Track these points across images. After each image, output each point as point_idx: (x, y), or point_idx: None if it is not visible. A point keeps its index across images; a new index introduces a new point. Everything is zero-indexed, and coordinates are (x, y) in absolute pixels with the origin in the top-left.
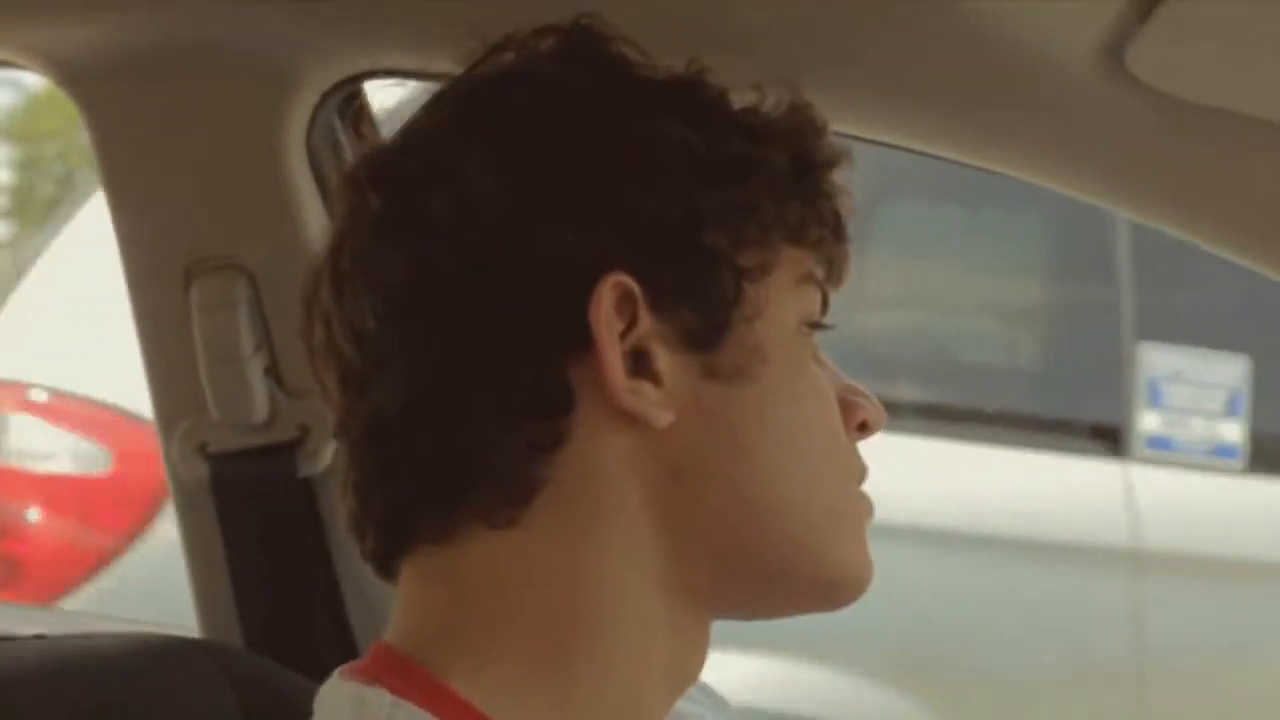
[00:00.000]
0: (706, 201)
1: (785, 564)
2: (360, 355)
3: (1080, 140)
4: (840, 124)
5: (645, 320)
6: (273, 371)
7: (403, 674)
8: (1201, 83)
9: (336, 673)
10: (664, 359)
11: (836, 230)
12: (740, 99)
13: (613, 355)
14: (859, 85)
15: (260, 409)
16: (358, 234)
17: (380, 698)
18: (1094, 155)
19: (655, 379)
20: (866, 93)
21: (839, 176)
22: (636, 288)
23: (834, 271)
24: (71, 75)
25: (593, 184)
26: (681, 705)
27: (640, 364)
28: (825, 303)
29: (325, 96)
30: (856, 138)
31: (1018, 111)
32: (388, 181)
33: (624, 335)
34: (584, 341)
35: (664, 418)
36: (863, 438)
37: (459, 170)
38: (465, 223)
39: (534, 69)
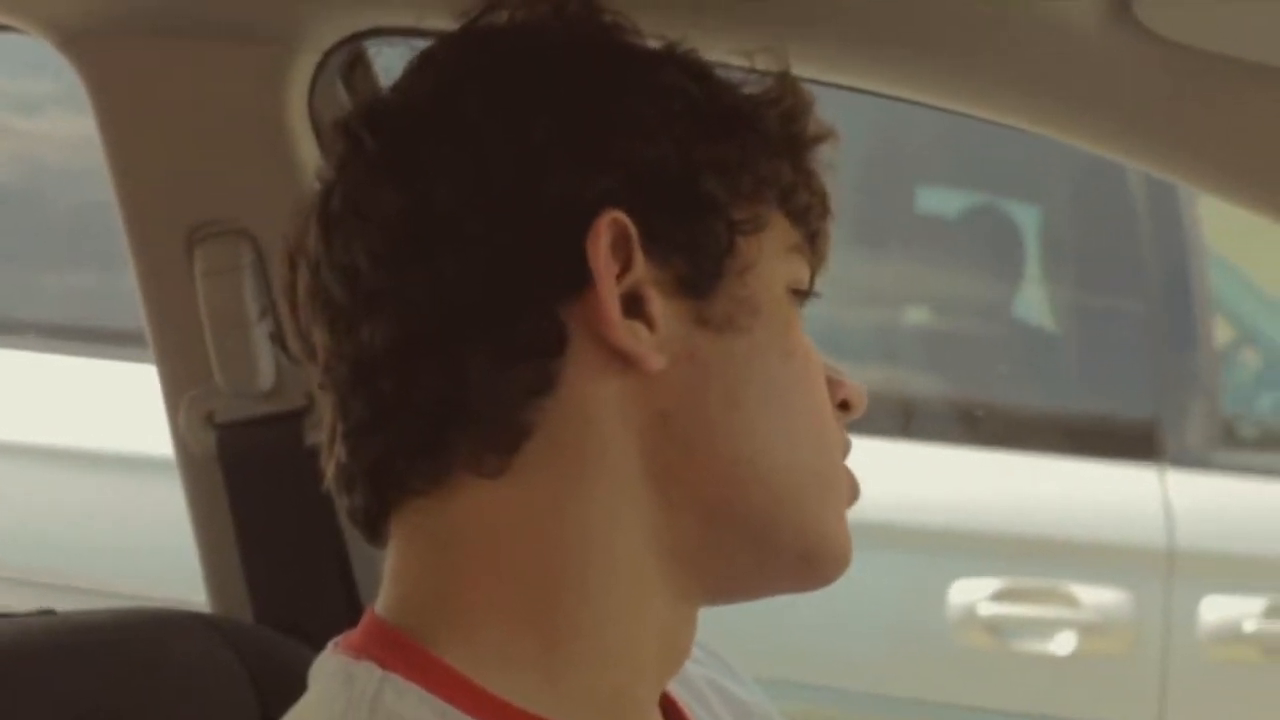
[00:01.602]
0: (704, 151)
1: (768, 524)
2: (350, 295)
3: (1088, 90)
4: (845, 77)
5: (640, 264)
6: (278, 338)
7: (391, 646)
8: (1210, 29)
9: (330, 645)
10: (657, 303)
11: (823, 202)
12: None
13: (609, 291)
14: (864, 37)
15: (266, 376)
16: (351, 177)
17: (369, 672)
18: (1102, 105)
19: (649, 323)
20: (872, 44)
21: (824, 153)
22: (633, 228)
23: (818, 247)
24: (71, 38)
25: (592, 129)
26: (690, 668)
27: (634, 308)
28: (812, 279)
29: (327, 56)
30: (863, 90)
31: (1025, 62)
32: (385, 125)
33: (619, 277)
34: (579, 283)
35: (656, 361)
36: (845, 418)
37: (460, 113)
38: (464, 163)
39: (532, 25)
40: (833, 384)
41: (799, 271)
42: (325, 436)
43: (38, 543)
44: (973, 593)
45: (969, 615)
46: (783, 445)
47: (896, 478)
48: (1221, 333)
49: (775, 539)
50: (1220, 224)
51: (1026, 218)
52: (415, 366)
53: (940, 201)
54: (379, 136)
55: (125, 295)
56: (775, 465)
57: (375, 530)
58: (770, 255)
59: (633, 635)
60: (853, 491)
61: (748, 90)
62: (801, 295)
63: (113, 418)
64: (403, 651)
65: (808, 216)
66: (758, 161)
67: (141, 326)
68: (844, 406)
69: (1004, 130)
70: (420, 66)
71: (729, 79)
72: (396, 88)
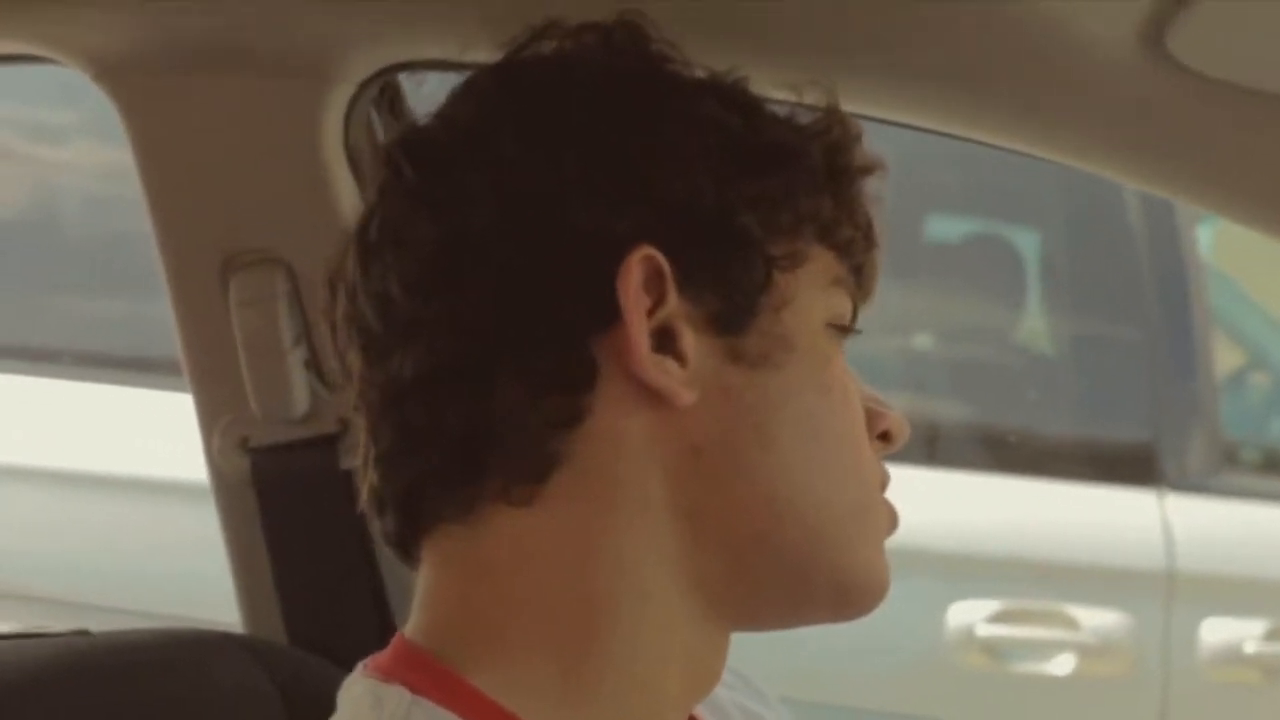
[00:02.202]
0: (741, 187)
1: (803, 560)
2: (384, 323)
3: (1120, 123)
4: (879, 110)
5: (673, 299)
6: (313, 364)
7: (421, 669)
8: (1242, 63)
9: (359, 666)
10: (689, 339)
11: (868, 235)
12: (776, 100)
13: (639, 327)
14: (898, 71)
15: (301, 402)
16: (389, 205)
17: (399, 696)
18: (1134, 138)
19: (680, 358)
20: (905, 78)
21: (871, 186)
22: (666, 264)
23: (863, 280)
24: (107, 70)
25: (628, 162)
26: (720, 693)
27: (665, 343)
28: (854, 312)
29: (362, 88)
30: (896, 123)
31: (1058, 95)
32: (423, 155)
33: (651, 313)
34: (610, 317)
35: (686, 396)
36: (885, 450)
37: (495, 145)
38: (499, 194)
39: (574, 55)
40: (873, 415)
41: (840, 306)
42: (360, 460)
43: (70, 566)
44: (971, 614)
45: (967, 636)
46: (818, 482)
47: (896, 501)
48: (1232, 357)
49: (810, 575)
50: (1232, 249)
51: (1026, 243)
52: (443, 396)
53: (944, 228)
54: (416, 165)
55: (153, 323)
56: (810, 502)
57: (408, 553)
58: (809, 290)
59: (661, 663)
60: (892, 522)
61: (794, 123)
62: (843, 330)
63: (139, 444)
64: (432, 675)
65: (851, 250)
66: (798, 197)
67: (170, 354)
68: (884, 438)
69: (1003, 156)
70: (461, 96)
71: (774, 112)
72: (438, 116)
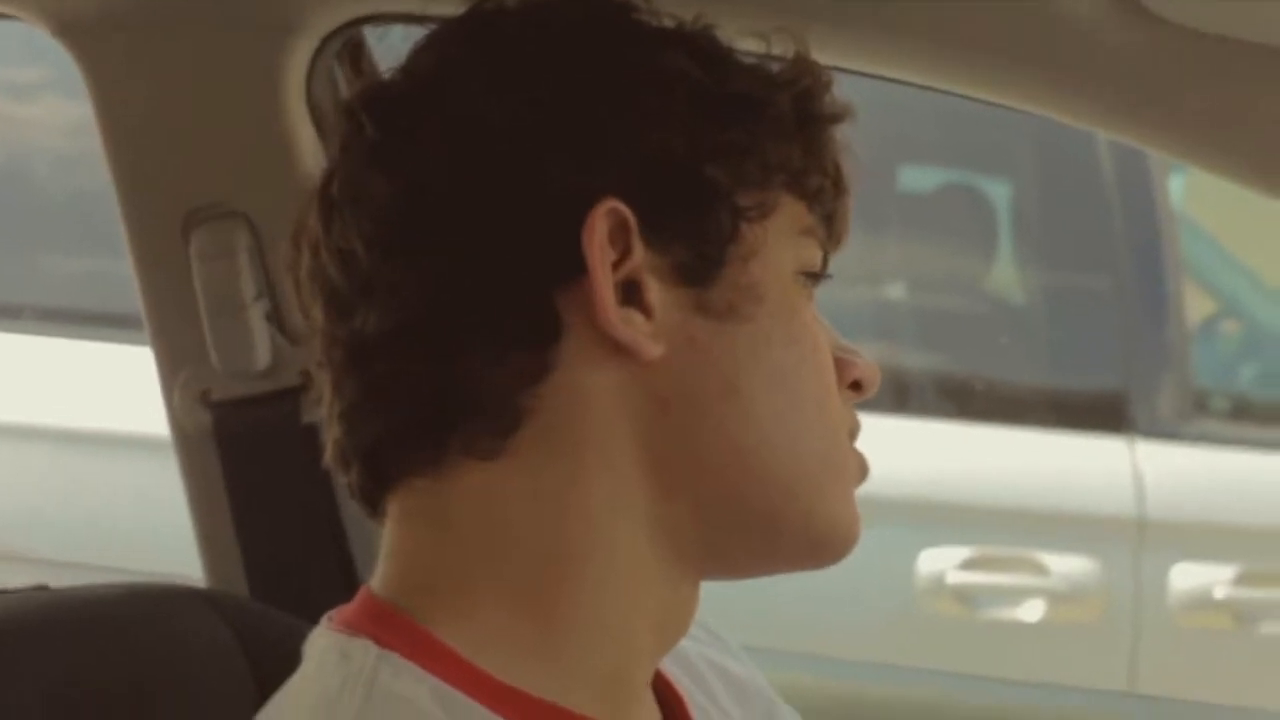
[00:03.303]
0: (707, 137)
1: (772, 512)
2: (346, 279)
3: (1094, 73)
4: (853, 62)
5: (638, 251)
6: (274, 318)
7: (387, 623)
8: (1214, 12)
9: (324, 619)
10: (655, 291)
11: (837, 182)
12: (745, 50)
13: (604, 281)
14: (874, 24)
15: (262, 356)
16: (351, 161)
17: (366, 649)
18: (1108, 88)
19: (646, 311)
20: (880, 31)
21: (841, 133)
22: (631, 217)
23: (833, 228)
24: (68, 26)
25: (591, 114)
26: (689, 647)
27: (631, 295)
28: (825, 261)
29: (325, 41)
30: (871, 75)
31: (1031, 46)
32: (384, 110)
33: (616, 265)
34: (575, 270)
35: (653, 349)
36: (856, 398)
37: (456, 97)
38: (459, 148)
39: (539, 7)
40: (844, 364)
41: (810, 255)
42: (324, 414)
43: (31, 522)
44: (942, 561)
45: (938, 584)
46: (785, 434)
47: (866, 448)
48: (1203, 305)
49: (779, 527)
50: (1204, 198)
51: (998, 194)
52: (407, 352)
53: (916, 179)
54: (377, 121)
55: (121, 280)
56: (778, 454)
57: (374, 506)
58: (778, 240)
59: (631, 614)
60: (861, 471)
61: (762, 72)
62: (814, 277)
63: (108, 399)
64: (399, 629)
65: (821, 198)
66: (765, 147)
67: (135, 309)
68: (855, 386)
69: (974, 106)
70: (424, 50)
71: (742, 61)
72: (400, 70)
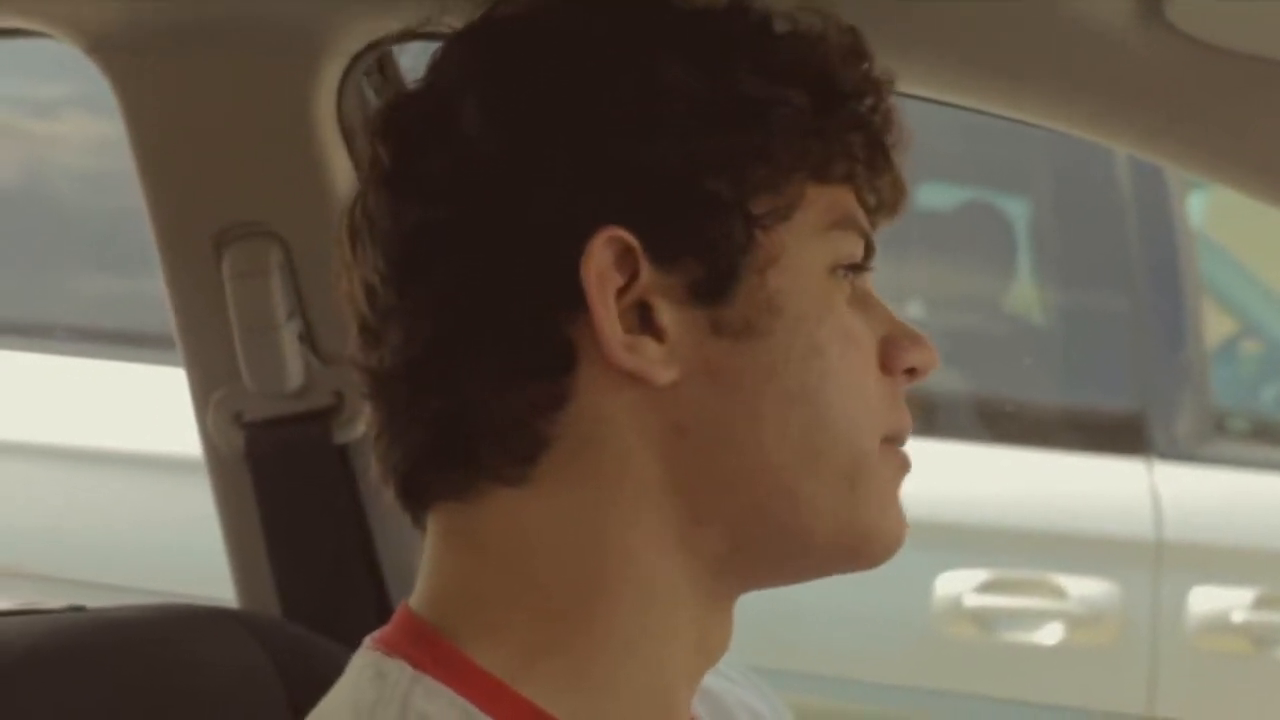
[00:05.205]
0: (708, 148)
1: (802, 528)
2: (370, 309)
3: (1119, 91)
4: None
5: (646, 273)
6: (307, 338)
7: (424, 644)
8: (1240, 30)
9: (366, 639)
10: (667, 313)
11: (871, 161)
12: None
13: (606, 313)
14: (895, 41)
15: (295, 376)
16: (369, 189)
17: (401, 671)
18: (1133, 105)
19: (659, 334)
20: (904, 48)
21: (876, 104)
22: (635, 241)
23: (881, 204)
24: (101, 45)
25: (587, 136)
26: (724, 688)
27: (644, 318)
28: (870, 246)
29: (355, 60)
30: (899, 94)
31: (1055, 63)
32: (394, 137)
33: (626, 290)
34: (583, 299)
35: (664, 375)
36: (911, 381)
37: (456, 125)
38: (461, 180)
39: (542, 12)
40: (895, 353)
41: (847, 246)
42: (371, 432)
43: (65, 543)
44: (959, 584)
45: (955, 606)
46: (809, 451)
47: None
48: (1224, 325)
49: (811, 542)
50: (1224, 218)
51: (1016, 211)
52: (423, 384)
53: (935, 196)
54: (388, 147)
55: (147, 299)
56: (800, 469)
57: (418, 522)
58: (802, 241)
59: (667, 640)
60: (903, 468)
61: (772, 68)
62: (855, 269)
63: (136, 419)
64: (434, 650)
65: (854, 179)
66: (776, 148)
67: (164, 329)
68: (911, 373)
69: (993, 124)
70: (431, 69)
71: (758, 48)
72: (411, 92)
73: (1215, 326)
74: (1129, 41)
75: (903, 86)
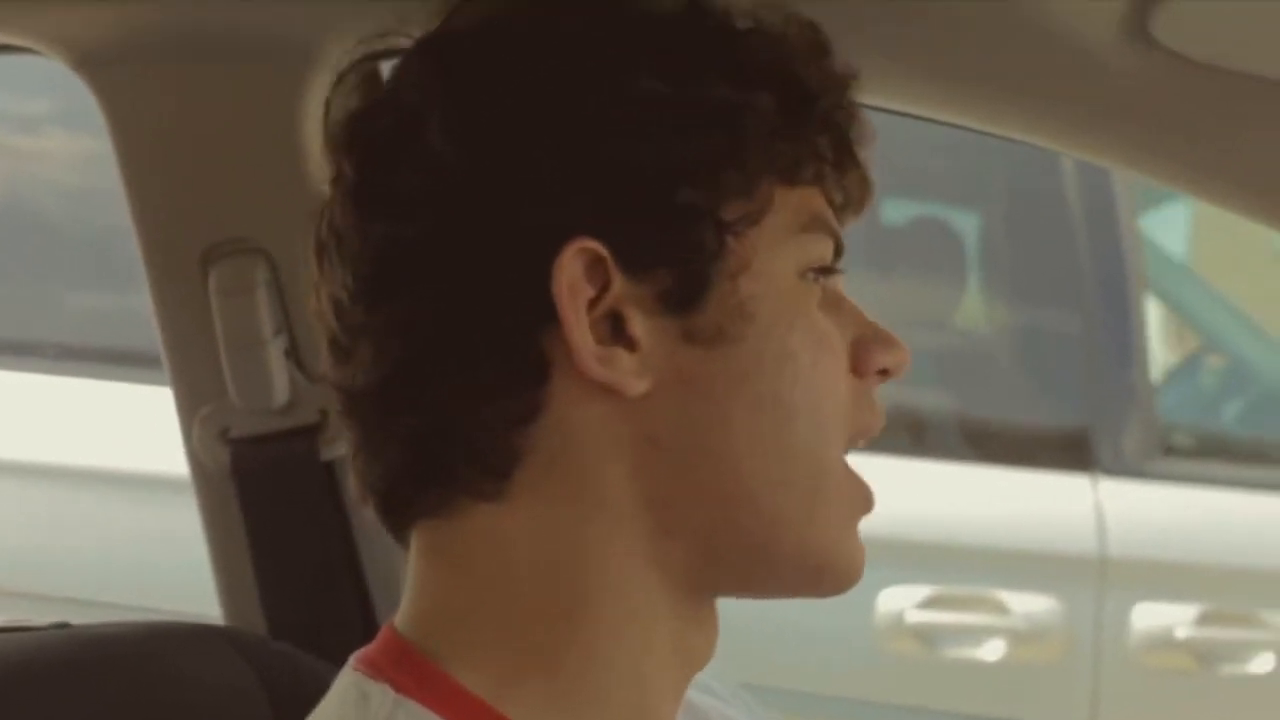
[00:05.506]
0: (678, 155)
1: (768, 543)
2: (339, 326)
3: (1104, 107)
4: (861, 95)
5: (618, 284)
6: (293, 354)
7: (407, 666)
8: (1225, 46)
9: (351, 659)
10: (640, 323)
11: (839, 160)
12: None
13: (577, 325)
14: (880, 56)
15: (281, 393)
16: (335, 203)
17: (384, 694)
18: (1118, 121)
19: (631, 344)
20: (888, 63)
21: (839, 101)
22: (606, 251)
23: (849, 201)
24: (85, 59)
25: (555, 147)
26: (711, 705)
27: (616, 329)
28: (839, 246)
29: (342, 76)
30: (879, 109)
31: (1040, 79)
32: (358, 148)
33: (597, 301)
34: (555, 311)
35: (637, 386)
36: (884, 380)
37: (421, 137)
38: (428, 195)
39: (506, 19)
40: (866, 355)
41: (816, 250)
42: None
43: (52, 561)
44: (902, 600)
45: (897, 622)
46: (776, 457)
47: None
48: (1188, 342)
49: (776, 558)
50: (1191, 235)
51: (967, 225)
52: (395, 401)
53: (887, 211)
54: (352, 161)
55: (134, 316)
56: (769, 481)
57: (400, 538)
58: (772, 246)
59: (645, 653)
60: (864, 501)
61: (739, 73)
62: (824, 271)
63: (119, 437)
64: (417, 673)
65: (822, 182)
66: (745, 154)
67: (151, 346)
68: (884, 373)
69: (947, 138)
70: (394, 78)
71: (724, 49)
72: (377, 101)
73: (1178, 342)
74: (1114, 57)
75: (886, 102)
